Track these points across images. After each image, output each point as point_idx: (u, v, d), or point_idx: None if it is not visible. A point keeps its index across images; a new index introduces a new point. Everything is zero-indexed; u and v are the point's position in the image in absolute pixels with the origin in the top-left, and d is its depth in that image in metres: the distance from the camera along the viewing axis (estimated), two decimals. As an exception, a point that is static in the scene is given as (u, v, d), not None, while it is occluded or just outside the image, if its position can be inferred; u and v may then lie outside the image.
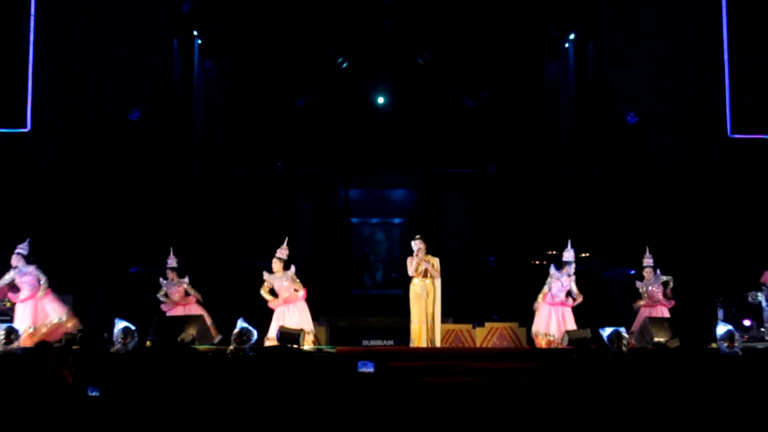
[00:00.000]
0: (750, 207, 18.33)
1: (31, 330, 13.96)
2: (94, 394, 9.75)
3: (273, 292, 14.31)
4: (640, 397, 10.41)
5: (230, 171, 20.06)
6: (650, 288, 15.08)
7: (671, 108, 18.45)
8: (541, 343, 14.51)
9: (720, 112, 18.70)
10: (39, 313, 14.28)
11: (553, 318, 14.46)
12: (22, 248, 14.38)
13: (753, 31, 20.01)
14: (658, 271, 15.10)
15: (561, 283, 14.45)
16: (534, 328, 14.69)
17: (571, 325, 14.35)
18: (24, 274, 14.31)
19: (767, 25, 20.13)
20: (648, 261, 15.18)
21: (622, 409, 10.07)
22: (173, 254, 15.46)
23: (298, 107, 19.90)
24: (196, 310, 15.23)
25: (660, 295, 15.03)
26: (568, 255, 14.61)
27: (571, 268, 14.49)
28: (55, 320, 14.30)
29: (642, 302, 15.13)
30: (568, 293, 14.47)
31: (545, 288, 14.55)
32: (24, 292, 14.29)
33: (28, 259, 14.31)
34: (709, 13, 18.88)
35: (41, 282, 14.29)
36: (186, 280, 15.52)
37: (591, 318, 15.16)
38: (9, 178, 18.02)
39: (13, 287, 14.98)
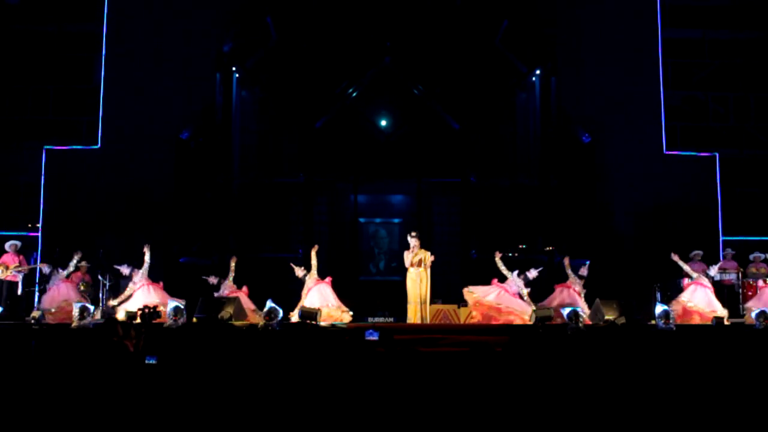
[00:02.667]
0: (680, 209, 18.26)
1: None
2: (151, 361, 9.66)
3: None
4: (593, 363, 10.33)
5: (261, 180, 20.00)
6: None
7: (618, 129, 18.39)
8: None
9: (656, 133, 18.61)
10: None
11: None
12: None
13: (682, 68, 20.02)
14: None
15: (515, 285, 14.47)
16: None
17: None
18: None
19: (693, 64, 20.14)
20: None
21: (578, 374, 9.99)
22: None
23: (316, 128, 19.82)
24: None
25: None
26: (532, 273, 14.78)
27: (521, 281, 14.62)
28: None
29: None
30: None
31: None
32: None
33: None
34: (647, 54, 18.81)
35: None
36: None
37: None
38: (84, 185, 17.98)
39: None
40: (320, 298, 14.35)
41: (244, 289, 15.12)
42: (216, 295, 14.80)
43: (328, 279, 14.78)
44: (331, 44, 19.38)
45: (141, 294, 14.23)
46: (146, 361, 9.64)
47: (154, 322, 11.97)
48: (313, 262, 14.75)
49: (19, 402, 8.75)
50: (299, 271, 14.75)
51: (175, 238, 17.83)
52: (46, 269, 14.51)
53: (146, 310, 13.29)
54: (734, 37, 20.40)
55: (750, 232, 17.30)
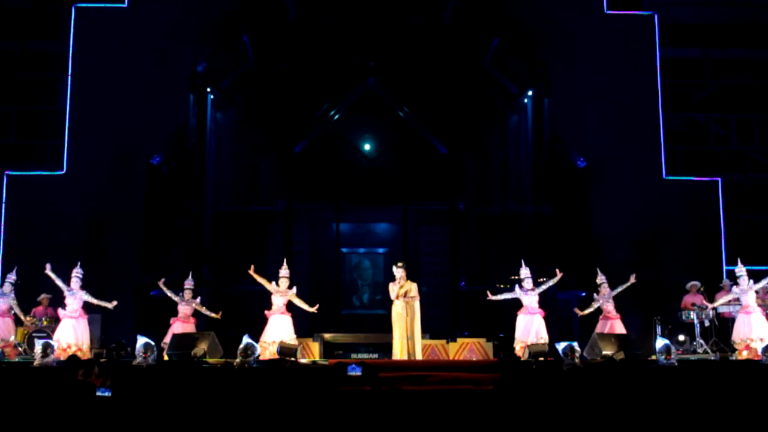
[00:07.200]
0: (681, 237, 18.25)
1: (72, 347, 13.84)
2: (105, 394, 9.55)
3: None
4: (591, 401, 10.29)
5: (237, 208, 19.96)
6: (605, 304, 15.02)
7: (615, 154, 18.37)
8: (519, 350, 14.44)
9: (656, 157, 18.63)
10: (78, 331, 14.21)
11: (529, 327, 14.43)
12: (78, 272, 14.42)
13: (681, 89, 20.16)
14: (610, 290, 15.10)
15: (529, 297, 14.51)
16: (517, 337, 14.65)
17: (544, 331, 14.29)
18: (75, 297, 14.28)
19: (693, 84, 20.30)
20: (601, 279, 15.13)
21: (575, 413, 9.95)
22: (192, 277, 15.39)
23: (295, 153, 19.87)
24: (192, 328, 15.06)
25: (613, 310, 14.99)
26: (524, 272, 14.73)
27: (529, 282, 14.57)
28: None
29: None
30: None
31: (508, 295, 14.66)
32: (70, 309, 14.21)
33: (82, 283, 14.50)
34: (645, 74, 18.87)
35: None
36: (198, 300, 15.37)
37: (552, 333, 15.02)
38: (49, 213, 17.83)
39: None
40: (281, 329, 14.40)
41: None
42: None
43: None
44: (312, 64, 19.46)
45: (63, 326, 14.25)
46: (99, 394, 9.55)
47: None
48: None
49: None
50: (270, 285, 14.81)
51: (145, 269, 17.71)
52: None
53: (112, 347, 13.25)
54: (736, 56, 20.58)
55: (754, 261, 17.31)
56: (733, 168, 20.06)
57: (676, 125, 20.09)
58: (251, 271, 14.82)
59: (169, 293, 15.26)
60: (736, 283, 14.71)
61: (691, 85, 20.42)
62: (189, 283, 15.41)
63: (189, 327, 15.06)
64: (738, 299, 14.71)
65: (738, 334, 14.38)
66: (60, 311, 14.44)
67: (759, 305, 14.72)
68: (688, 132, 20.27)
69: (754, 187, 20.05)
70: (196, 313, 15.38)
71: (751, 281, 14.49)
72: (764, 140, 20.38)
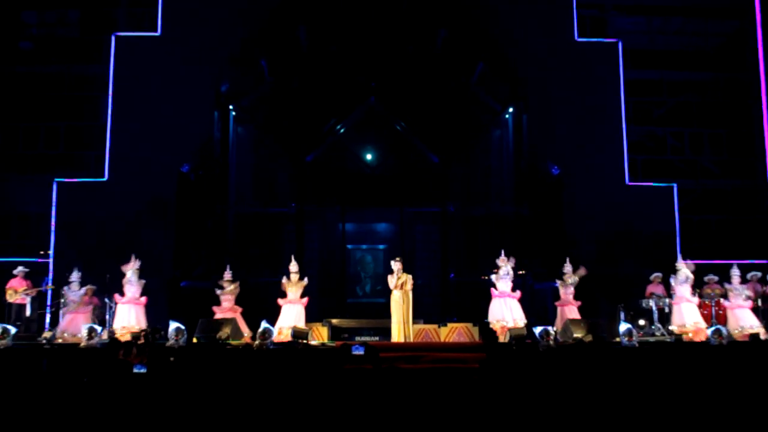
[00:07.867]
0: (642, 235, 18.38)
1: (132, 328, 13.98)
2: (141, 371, 9.66)
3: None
4: (562, 378, 10.39)
5: (256, 210, 20.03)
6: (565, 290, 15.18)
7: (584, 162, 18.52)
8: (496, 327, 14.54)
9: (619, 166, 18.80)
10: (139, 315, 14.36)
11: (504, 308, 14.54)
12: (136, 264, 14.79)
13: (642, 107, 20.31)
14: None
15: (504, 281, 14.63)
16: (489, 317, 14.78)
17: (519, 312, 14.38)
18: (133, 285, 14.37)
19: (652, 102, 20.43)
20: (567, 268, 15.28)
21: (549, 388, 10.05)
22: (229, 269, 15.49)
23: (306, 162, 19.93)
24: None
25: (570, 297, 15.14)
26: (501, 262, 14.98)
27: (505, 270, 14.79)
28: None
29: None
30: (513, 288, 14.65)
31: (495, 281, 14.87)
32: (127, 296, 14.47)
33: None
34: (611, 93, 19.06)
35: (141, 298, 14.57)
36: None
37: (530, 319, 15.11)
38: (92, 215, 17.96)
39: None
40: (293, 316, 14.52)
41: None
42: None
43: (305, 300, 14.92)
44: (321, 84, 19.51)
45: (121, 312, 14.50)
46: (135, 371, 9.66)
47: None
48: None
49: (33, 416, 8.74)
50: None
51: (176, 264, 17.81)
52: (71, 294, 14.69)
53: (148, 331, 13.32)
54: (689, 78, 20.75)
55: (705, 257, 17.47)
56: (687, 175, 20.17)
57: (638, 137, 20.19)
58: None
59: (219, 311, 15.23)
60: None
61: (650, 102, 20.53)
62: (227, 275, 15.43)
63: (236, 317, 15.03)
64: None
65: (675, 321, 14.68)
66: (117, 297, 14.55)
67: (708, 294, 14.95)
68: (647, 143, 20.39)
69: (705, 191, 20.18)
70: (237, 302, 15.42)
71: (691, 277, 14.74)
72: (714, 150, 20.52)
